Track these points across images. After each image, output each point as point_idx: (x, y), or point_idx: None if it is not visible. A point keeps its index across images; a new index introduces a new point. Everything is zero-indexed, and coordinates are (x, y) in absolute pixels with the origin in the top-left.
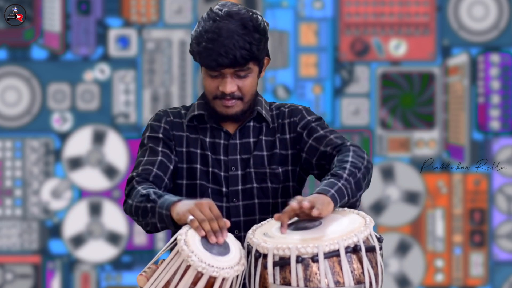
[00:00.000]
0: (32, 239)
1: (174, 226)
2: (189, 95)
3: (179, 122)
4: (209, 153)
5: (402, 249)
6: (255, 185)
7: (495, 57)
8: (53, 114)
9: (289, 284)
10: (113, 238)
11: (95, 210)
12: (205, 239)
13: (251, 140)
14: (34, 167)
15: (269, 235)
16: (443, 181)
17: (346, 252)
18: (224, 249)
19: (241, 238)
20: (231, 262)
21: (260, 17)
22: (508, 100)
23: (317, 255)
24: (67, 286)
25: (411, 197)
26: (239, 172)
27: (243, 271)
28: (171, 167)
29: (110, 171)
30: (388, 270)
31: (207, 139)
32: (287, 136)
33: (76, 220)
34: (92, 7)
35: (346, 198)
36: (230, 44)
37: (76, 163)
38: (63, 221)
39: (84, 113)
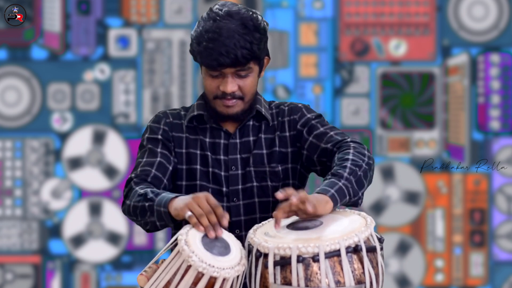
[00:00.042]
0: (32, 239)
1: (173, 222)
2: (189, 95)
3: (179, 123)
4: (208, 153)
5: (402, 249)
6: (255, 184)
7: (495, 57)
8: (53, 114)
9: (289, 283)
10: (113, 238)
11: (95, 210)
12: (206, 239)
13: (251, 138)
14: (34, 167)
15: (270, 235)
16: (443, 181)
17: (347, 252)
18: (225, 249)
19: (242, 238)
20: (232, 262)
21: (260, 17)
22: (508, 100)
23: (318, 255)
24: (67, 286)
25: (411, 197)
26: (239, 172)
27: (243, 271)
28: (170, 168)
29: (110, 171)
30: (388, 270)
31: (207, 139)
32: (287, 134)
33: (76, 220)
34: (92, 7)
35: (348, 197)
36: (231, 43)
37: (76, 163)
38: (63, 221)
39: (84, 113)
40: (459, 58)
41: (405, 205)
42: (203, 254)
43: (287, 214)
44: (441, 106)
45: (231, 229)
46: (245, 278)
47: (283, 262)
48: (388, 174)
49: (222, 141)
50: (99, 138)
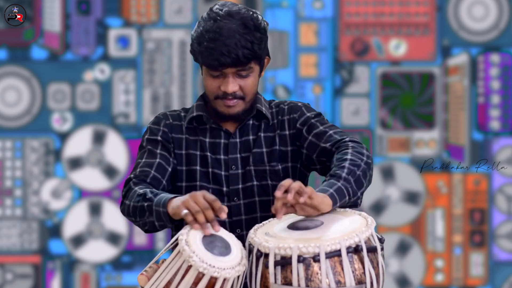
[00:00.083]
0: (32, 239)
1: (172, 223)
2: (189, 95)
3: (179, 124)
4: (208, 154)
5: (402, 249)
6: (255, 183)
7: (495, 57)
8: (53, 114)
9: (290, 283)
10: (113, 238)
11: (95, 210)
12: (206, 239)
13: (251, 137)
14: (34, 167)
15: (271, 235)
16: (443, 181)
17: (348, 252)
18: (225, 249)
19: (242, 237)
20: (232, 262)
21: (260, 17)
22: (508, 100)
23: (318, 255)
24: (67, 286)
25: (411, 197)
26: (239, 171)
27: (244, 271)
28: (169, 169)
29: (110, 171)
30: (388, 270)
31: (207, 140)
32: (287, 133)
33: (76, 220)
34: (92, 7)
35: (347, 197)
36: (232, 43)
37: (76, 163)
38: (63, 221)
39: (84, 113)
40: (459, 58)
41: (405, 205)
42: (204, 254)
43: (284, 205)
44: (441, 106)
45: (231, 228)
46: (245, 278)
47: (284, 262)
48: (388, 174)
49: (222, 140)
50: (99, 138)
